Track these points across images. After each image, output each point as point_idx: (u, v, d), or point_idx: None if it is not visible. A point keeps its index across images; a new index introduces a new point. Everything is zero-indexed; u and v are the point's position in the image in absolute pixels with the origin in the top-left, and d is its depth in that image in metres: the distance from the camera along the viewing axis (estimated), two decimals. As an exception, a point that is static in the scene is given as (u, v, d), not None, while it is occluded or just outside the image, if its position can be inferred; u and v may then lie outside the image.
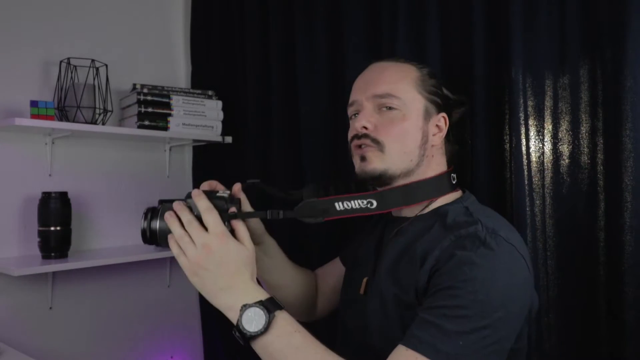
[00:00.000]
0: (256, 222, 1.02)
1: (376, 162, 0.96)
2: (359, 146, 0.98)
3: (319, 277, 1.21)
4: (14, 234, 1.61)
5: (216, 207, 0.85)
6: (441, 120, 0.99)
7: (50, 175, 1.68)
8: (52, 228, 1.55)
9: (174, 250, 0.84)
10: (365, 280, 1.01)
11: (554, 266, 1.15)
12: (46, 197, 1.56)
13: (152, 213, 0.88)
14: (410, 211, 1.00)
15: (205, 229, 0.83)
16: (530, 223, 1.12)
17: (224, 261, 0.82)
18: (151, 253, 1.71)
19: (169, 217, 0.85)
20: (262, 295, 0.82)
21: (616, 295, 1.05)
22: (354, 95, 1.02)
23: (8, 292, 1.59)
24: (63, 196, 1.58)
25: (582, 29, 1.12)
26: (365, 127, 0.97)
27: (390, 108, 0.96)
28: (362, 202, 0.93)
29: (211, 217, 0.83)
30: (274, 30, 1.69)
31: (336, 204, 0.91)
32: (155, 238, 0.88)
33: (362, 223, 1.28)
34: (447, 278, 0.82)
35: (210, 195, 0.87)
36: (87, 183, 1.76)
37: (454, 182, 1.01)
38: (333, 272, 1.20)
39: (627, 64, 1.03)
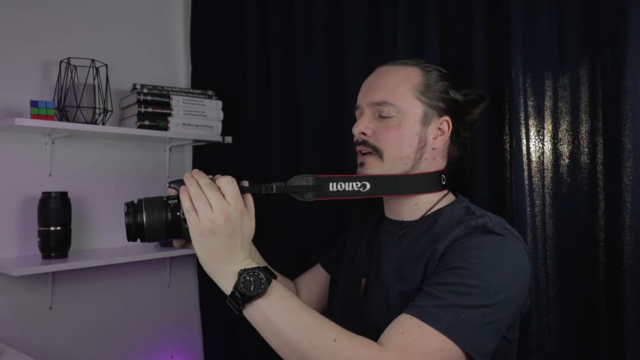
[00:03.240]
0: None
1: (373, 168, 1.00)
2: (361, 152, 1.02)
3: (301, 285, 1.22)
4: (14, 234, 1.61)
5: None
6: (443, 124, 1.00)
7: (50, 175, 1.68)
8: (52, 228, 1.55)
9: (185, 204, 0.82)
10: (364, 281, 1.02)
11: (554, 266, 1.15)
12: (46, 197, 1.56)
13: (135, 207, 0.86)
14: (410, 215, 1.02)
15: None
16: (530, 223, 1.12)
17: (235, 232, 0.82)
18: (151, 253, 1.71)
19: (188, 176, 0.85)
20: (258, 265, 0.84)
21: (616, 295, 1.05)
22: (358, 100, 1.05)
23: (8, 292, 1.59)
24: (63, 196, 1.58)
25: (582, 29, 1.12)
26: (363, 134, 1.01)
27: (386, 116, 0.99)
28: (356, 185, 0.95)
29: (232, 186, 0.83)
30: (274, 30, 1.69)
31: (330, 184, 0.94)
32: (143, 232, 0.85)
33: (344, 226, 1.29)
34: (455, 259, 0.86)
35: None
36: (87, 183, 1.76)
37: (443, 183, 1.02)
38: (316, 278, 1.21)
39: (627, 64, 1.03)
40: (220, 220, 0.81)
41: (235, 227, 0.82)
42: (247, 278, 0.80)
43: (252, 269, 0.81)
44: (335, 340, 0.78)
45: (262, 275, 0.81)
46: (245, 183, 0.90)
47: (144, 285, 1.90)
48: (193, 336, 2.03)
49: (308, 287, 1.20)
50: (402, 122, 0.98)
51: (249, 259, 0.85)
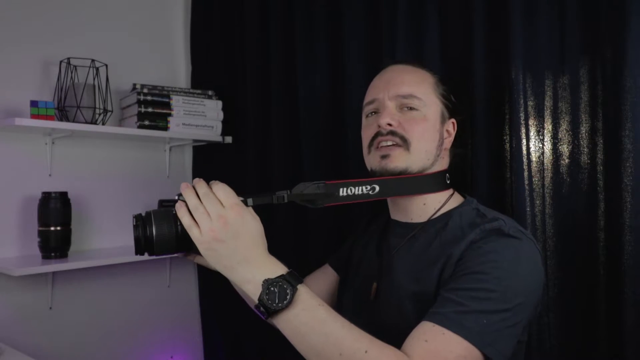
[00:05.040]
0: None
1: (399, 161, 0.98)
2: (386, 143, 1.00)
3: (310, 286, 1.19)
4: (14, 234, 1.61)
5: None
6: (450, 125, 1.04)
7: (50, 175, 1.68)
8: (52, 228, 1.55)
9: (185, 221, 0.80)
10: (374, 285, 1.02)
11: (554, 266, 1.15)
12: (46, 197, 1.56)
13: (144, 220, 0.83)
14: (418, 215, 1.02)
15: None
16: (530, 223, 1.12)
17: (240, 233, 0.79)
18: (151, 253, 1.71)
19: (184, 187, 0.82)
20: (282, 269, 0.80)
21: (616, 295, 1.05)
22: (374, 94, 1.04)
23: (8, 292, 1.59)
24: (63, 196, 1.58)
25: (582, 29, 1.12)
26: (389, 124, 0.99)
27: (412, 108, 1.00)
28: (365, 188, 0.95)
29: (223, 190, 0.81)
30: (274, 30, 1.69)
31: (341, 189, 0.93)
32: (152, 245, 0.83)
33: (349, 225, 1.28)
34: (473, 264, 0.86)
35: None
36: (87, 183, 1.76)
37: (448, 182, 1.03)
38: (326, 279, 1.20)
39: (627, 64, 1.03)
40: (219, 226, 0.78)
41: (238, 229, 0.79)
42: (272, 289, 0.77)
43: (275, 278, 0.78)
44: (366, 352, 0.76)
45: (286, 285, 0.77)
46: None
47: (144, 285, 1.90)
48: (193, 336, 2.03)
49: (318, 288, 1.18)
50: (426, 117, 1.00)
51: (269, 260, 0.81)
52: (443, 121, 1.03)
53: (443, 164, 1.03)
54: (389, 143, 0.99)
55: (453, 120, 1.05)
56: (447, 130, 1.04)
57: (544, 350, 1.12)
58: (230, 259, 0.80)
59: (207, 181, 0.86)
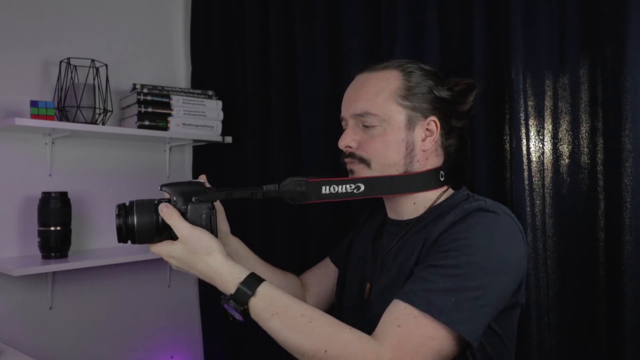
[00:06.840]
0: (221, 223, 1.01)
1: (362, 173, 1.00)
2: (349, 164, 1.03)
3: (310, 280, 1.20)
4: (14, 234, 1.61)
5: (196, 191, 0.89)
6: (431, 124, 1.00)
7: (50, 175, 1.68)
8: (52, 228, 1.55)
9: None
10: (368, 285, 1.02)
11: (554, 266, 1.15)
12: (46, 197, 1.56)
13: (126, 209, 0.87)
14: (410, 214, 1.01)
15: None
16: (530, 223, 1.12)
17: (187, 261, 0.91)
18: (151, 253, 1.70)
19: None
20: (236, 279, 0.89)
21: (616, 295, 1.05)
22: (342, 111, 1.06)
23: (8, 292, 1.59)
24: (63, 196, 1.58)
25: (582, 29, 1.12)
26: (349, 147, 1.01)
27: (369, 126, 0.98)
28: (349, 187, 0.95)
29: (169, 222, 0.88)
30: (274, 30, 1.69)
31: (323, 187, 0.94)
32: (133, 234, 0.87)
33: (349, 222, 1.28)
34: (447, 241, 0.87)
35: (190, 182, 0.91)
36: (87, 183, 1.76)
37: (442, 179, 1.02)
38: (327, 273, 1.20)
39: (627, 64, 1.03)
40: (174, 261, 0.89)
41: (183, 257, 0.89)
42: (228, 307, 0.89)
43: (229, 296, 0.89)
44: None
45: (235, 305, 0.87)
46: (203, 177, 0.95)
47: (144, 285, 1.90)
48: (193, 336, 2.03)
49: (318, 281, 1.19)
50: (386, 131, 0.97)
51: (224, 269, 0.91)
52: (412, 127, 0.98)
53: (431, 162, 1.01)
54: (352, 163, 1.02)
55: (433, 118, 0.99)
56: (428, 130, 0.99)
57: (544, 351, 1.12)
58: (199, 274, 0.95)
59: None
